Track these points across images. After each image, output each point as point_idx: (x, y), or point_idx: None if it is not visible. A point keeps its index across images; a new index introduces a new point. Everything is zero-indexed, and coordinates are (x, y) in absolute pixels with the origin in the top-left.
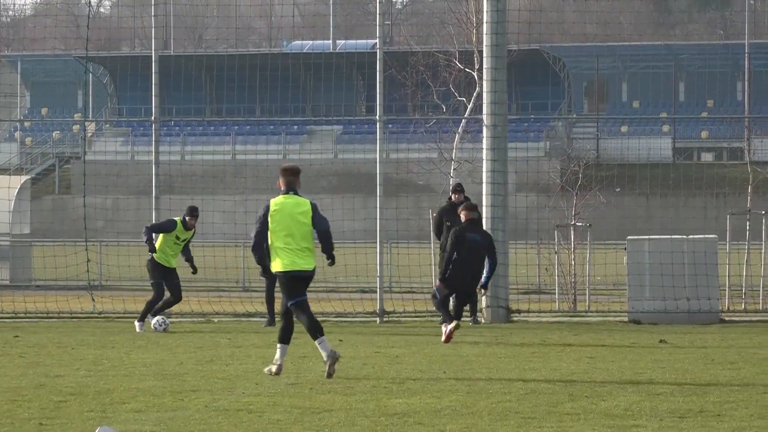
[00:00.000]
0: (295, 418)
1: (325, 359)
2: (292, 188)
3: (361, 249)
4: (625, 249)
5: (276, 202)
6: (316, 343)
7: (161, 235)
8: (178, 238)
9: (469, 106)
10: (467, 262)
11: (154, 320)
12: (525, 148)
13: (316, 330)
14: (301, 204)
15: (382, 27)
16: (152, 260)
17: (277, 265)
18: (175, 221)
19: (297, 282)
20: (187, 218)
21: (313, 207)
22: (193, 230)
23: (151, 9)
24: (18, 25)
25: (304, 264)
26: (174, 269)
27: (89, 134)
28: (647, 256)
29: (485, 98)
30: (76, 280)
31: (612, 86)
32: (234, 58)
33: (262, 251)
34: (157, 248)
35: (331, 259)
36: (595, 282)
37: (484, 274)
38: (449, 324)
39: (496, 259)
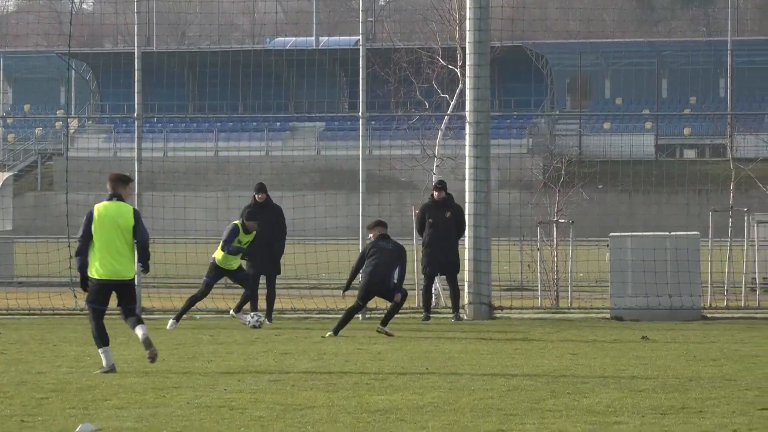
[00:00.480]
0: (277, 415)
1: (103, 367)
2: (116, 194)
3: (344, 245)
4: (608, 246)
5: (99, 207)
6: (99, 351)
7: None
8: (240, 242)
9: (452, 103)
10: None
11: (248, 316)
12: (508, 145)
13: (101, 340)
14: (124, 211)
15: (365, 23)
16: (214, 261)
17: (94, 271)
18: (237, 225)
19: (110, 290)
20: (246, 222)
21: (136, 216)
22: (253, 233)
23: (134, 5)
24: (0, 21)
25: (123, 271)
26: (236, 269)
27: (72, 131)
28: (629, 253)
29: (468, 95)
30: (58, 276)
31: (595, 83)
32: (217, 54)
33: (85, 258)
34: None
35: (146, 267)
36: (578, 279)
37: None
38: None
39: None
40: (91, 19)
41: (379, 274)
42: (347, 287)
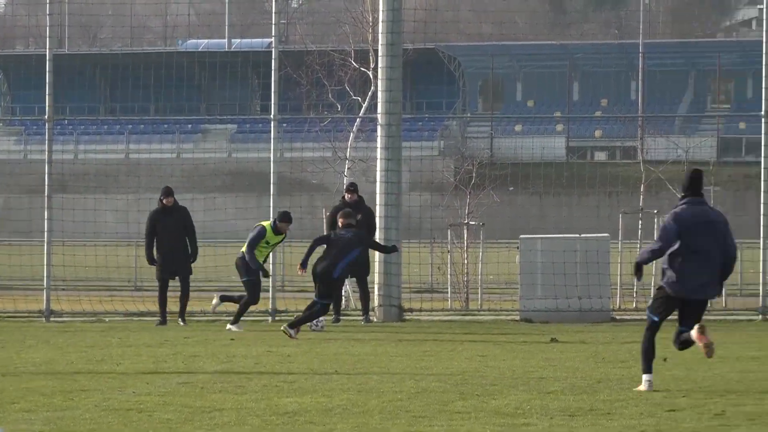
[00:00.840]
0: (185, 417)
1: None
2: None
3: None
4: (518, 248)
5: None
6: None
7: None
8: (267, 243)
9: (364, 105)
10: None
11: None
12: (419, 147)
13: None
14: None
15: (278, 26)
16: (243, 258)
17: None
18: (264, 227)
19: None
20: (278, 223)
21: None
22: (284, 235)
23: (46, 7)
24: None
25: None
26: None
27: None
28: (539, 255)
29: (380, 97)
30: None
31: (507, 85)
32: (129, 56)
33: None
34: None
35: None
36: (488, 281)
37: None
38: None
39: None
40: (3, 21)
41: (324, 264)
42: (303, 264)
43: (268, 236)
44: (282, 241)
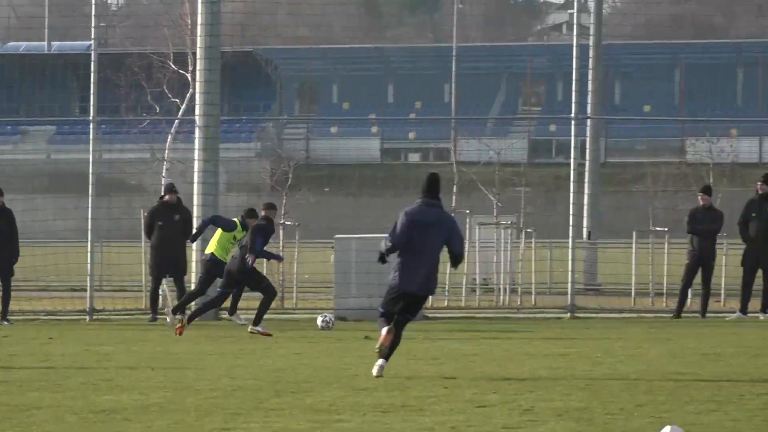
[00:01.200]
0: (2, 416)
1: None
2: None
3: (73, 248)
4: (333, 247)
5: None
6: None
7: (220, 232)
8: (235, 238)
9: (183, 107)
10: None
11: (319, 319)
12: (237, 149)
13: None
14: None
15: (98, 29)
16: (213, 258)
17: None
18: (236, 222)
19: None
20: (247, 220)
21: None
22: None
23: None
24: None
25: None
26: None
27: None
28: (354, 255)
29: (198, 99)
30: None
31: (323, 88)
32: None
33: None
34: (216, 245)
35: None
36: (303, 280)
37: None
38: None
39: None
40: None
41: (235, 258)
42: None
43: (237, 231)
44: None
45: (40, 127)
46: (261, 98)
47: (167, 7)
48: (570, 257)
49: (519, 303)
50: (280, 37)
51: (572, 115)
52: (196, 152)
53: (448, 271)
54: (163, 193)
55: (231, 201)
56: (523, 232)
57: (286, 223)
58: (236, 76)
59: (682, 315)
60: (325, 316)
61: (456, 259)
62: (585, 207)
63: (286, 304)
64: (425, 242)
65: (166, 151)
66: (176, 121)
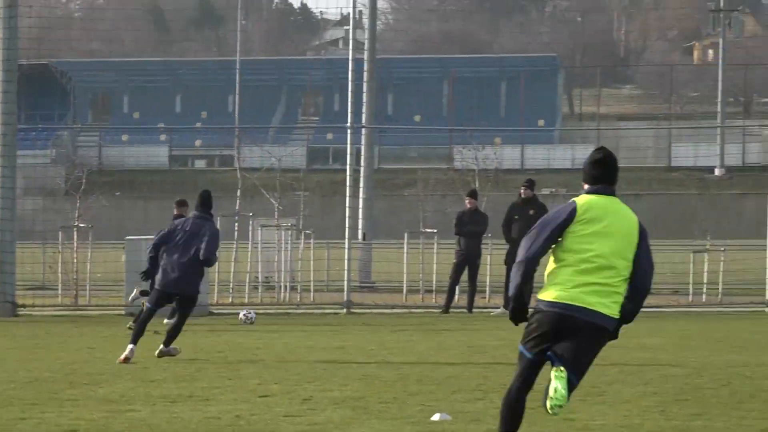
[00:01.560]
0: None
1: None
2: None
3: None
4: (124, 248)
5: None
6: None
7: None
8: None
9: None
10: None
11: (241, 314)
12: (33, 156)
13: None
14: None
15: None
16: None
17: None
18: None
19: None
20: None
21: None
22: None
23: None
24: None
25: None
26: None
27: None
28: (144, 255)
29: None
30: None
31: (115, 98)
32: None
33: None
34: None
35: None
36: (95, 278)
37: None
38: None
39: None
40: None
41: None
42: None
43: None
44: None
45: None
46: (56, 108)
47: None
48: (346, 257)
49: (299, 299)
50: (75, 50)
51: (348, 124)
52: None
53: (232, 270)
54: None
55: (27, 204)
56: (303, 234)
57: (80, 225)
58: (32, 87)
59: (450, 310)
60: (248, 312)
61: (205, 264)
62: (360, 210)
63: (80, 301)
64: (182, 247)
65: None
66: None
